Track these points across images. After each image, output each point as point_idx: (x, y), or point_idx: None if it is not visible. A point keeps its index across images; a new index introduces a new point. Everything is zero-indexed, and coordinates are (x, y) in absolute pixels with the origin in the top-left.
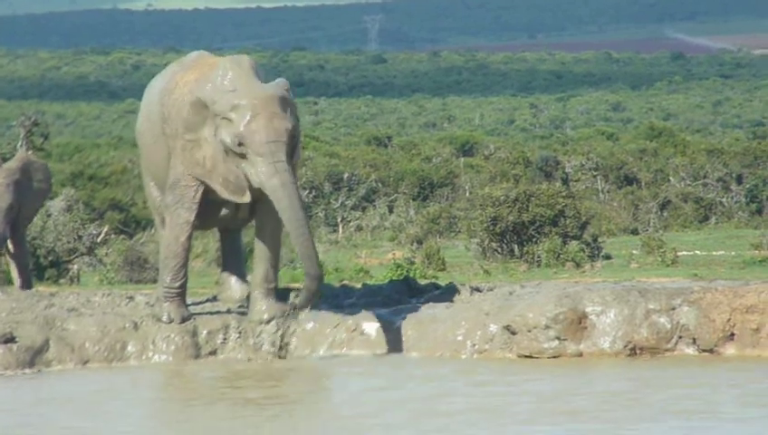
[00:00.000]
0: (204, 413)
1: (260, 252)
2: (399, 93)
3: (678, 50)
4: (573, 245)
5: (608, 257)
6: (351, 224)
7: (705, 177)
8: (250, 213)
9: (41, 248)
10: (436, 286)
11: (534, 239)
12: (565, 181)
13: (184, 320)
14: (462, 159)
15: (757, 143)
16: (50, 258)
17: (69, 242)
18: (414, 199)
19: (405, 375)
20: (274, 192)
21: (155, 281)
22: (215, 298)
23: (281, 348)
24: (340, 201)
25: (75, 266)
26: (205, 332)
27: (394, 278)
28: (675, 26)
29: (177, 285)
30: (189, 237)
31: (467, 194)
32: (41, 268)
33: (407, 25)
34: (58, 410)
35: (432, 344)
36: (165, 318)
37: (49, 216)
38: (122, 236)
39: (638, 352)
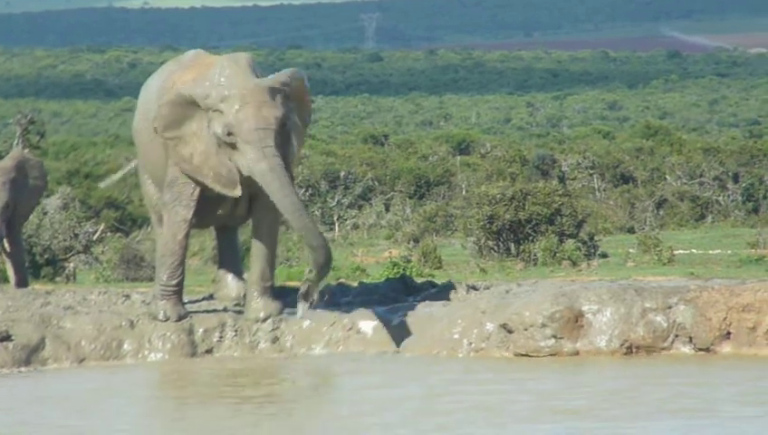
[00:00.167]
0: (200, 412)
1: (257, 250)
2: (396, 92)
3: (675, 48)
4: (570, 243)
5: (604, 256)
6: (348, 222)
7: (701, 175)
8: (247, 211)
9: (37, 246)
10: (433, 285)
11: (531, 238)
12: (562, 180)
13: (180, 318)
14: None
15: (753, 142)
16: (46, 256)
17: (65, 240)
18: (410, 198)
19: (402, 374)
20: (263, 176)
21: (151, 279)
22: (211, 296)
23: (277, 346)
24: (336, 199)
25: (71, 264)
26: (201, 330)
27: (390, 277)
28: (671, 25)
29: (174, 282)
30: (187, 235)
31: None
32: (37, 266)
33: (403, 24)
34: (54, 408)
35: (429, 343)
36: (161, 316)
37: (45, 214)
38: (118, 235)
39: (634, 350)
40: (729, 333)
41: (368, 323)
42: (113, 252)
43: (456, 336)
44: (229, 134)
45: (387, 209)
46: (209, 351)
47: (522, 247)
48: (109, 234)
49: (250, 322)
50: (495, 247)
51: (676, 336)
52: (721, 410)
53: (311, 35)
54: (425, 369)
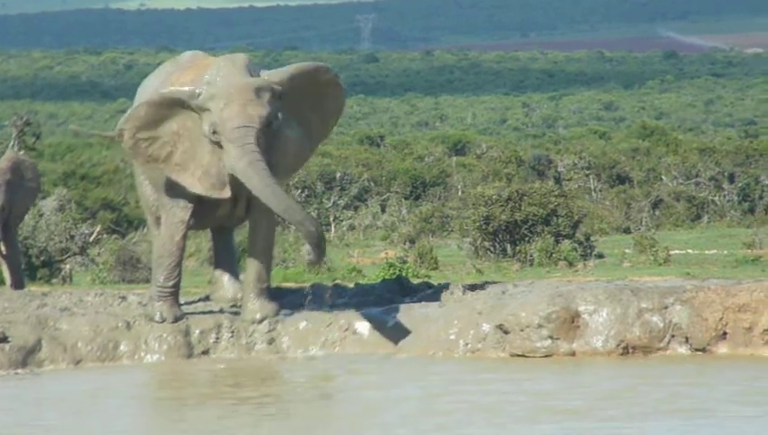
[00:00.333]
0: (198, 413)
1: (253, 251)
2: (392, 92)
3: (671, 49)
4: (566, 244)
5: (600, 256)
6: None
7: (697, 176)
8: (245, 212)
9: (33, 248)
10: (429, 286)
11: (527, 238)
12: (557, 180)
13: (176, 319)
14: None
15: (749, 142)
16: (42, 258)
17: (61, 242)
18: (406, 199)
19: (399, 374)
20: (243, 173)
21: (147, 280)
22: (207, 298)
23: (274, 347)
24: (332, 200)
25: (67, 266)
26: (197, 331)
27: (386, 277)
28: (667, 25)
29: (171, 284)
30: (184, 237)
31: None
32: (33, 268)
33: (399, 25)
34: (50, 409)
35: (425, 344)
36: (157, 317)
37: (41, 215)
38: (115, 236)
39: (630, 351)
40: (725, 334)
41: (364, 324)
42: (109, 254)
43: (453, 337)
44: (214, 132)
45: (383, 210)
46: (206, 352)
47: (518, 248)
48: (105, 235)
49: (246, 323)
50: (492, 248)
51: (673, 337)
52: (719, 411)
53: (307, 36)
54: (422, 369)
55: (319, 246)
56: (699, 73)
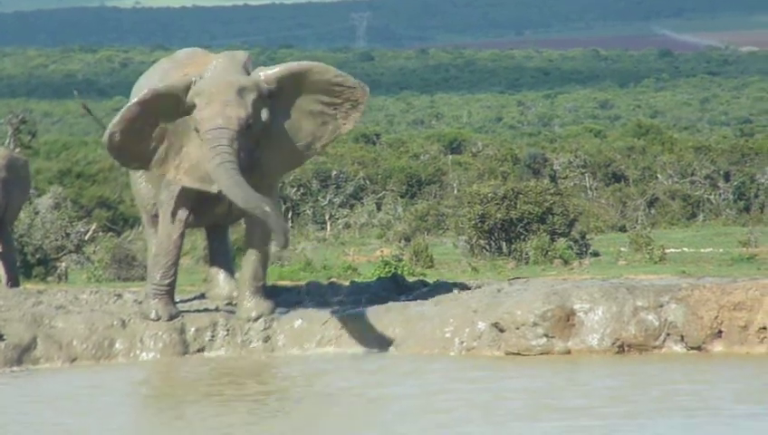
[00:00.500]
0: (195, 410)
1: (249, 249)
2: (387, 91)
3: (666, 47)
4: (561, 242)
5: (596, 254)
6: (339, 221)
7: (692, 174)
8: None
9: (28, 246)
10: (425, 284)
11: (522, 236)
12: (553, 178)
13: (172, 317)
14: (450, 157)
15: (744, 140)
16: (37, 256)
17: (57, 240)
18: (402, 197)
19: (396, 372)
20: (214, 173)
21: (143, 279)
22: (203, 295)
23: (269, 345)
24: (327, 199)
25: (63, 264)
26: (192, 329)
27: (382, 276)
28: (662, 23)
29: (167, 282)
30: (182, 235)
31: (455, 191)
32: (28, 266)
33: (394, 23)
34: (46, 407)
35: (420, 342)
36: (153, 315)
37: (37, 213)
38: (110, 234)
39: (626, 349)
40: (721, 332)
41: (359, 323)
42: (105, 251)
43: (448, 335)
44: (196, 130)
45: (378, 208)
46: (201, 350)
47: (513, 246)
48: (100, 233)
49: (242, 321)
50: (487, 246)
51: (668, 335)
52: (717, 408)
53: (302, 35)
54: (418, 367)
55: (278, 233)
56: (695, 72)
